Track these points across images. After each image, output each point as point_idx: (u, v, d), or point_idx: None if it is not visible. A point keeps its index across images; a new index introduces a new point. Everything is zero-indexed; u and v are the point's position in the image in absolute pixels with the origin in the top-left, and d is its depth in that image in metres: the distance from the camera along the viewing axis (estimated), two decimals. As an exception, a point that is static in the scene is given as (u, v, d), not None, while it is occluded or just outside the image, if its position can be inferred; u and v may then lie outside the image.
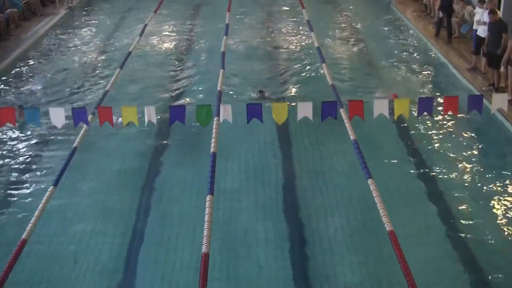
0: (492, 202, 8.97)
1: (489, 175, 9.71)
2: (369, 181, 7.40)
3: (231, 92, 13.17)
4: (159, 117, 9.68)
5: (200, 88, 13.73)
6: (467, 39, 15.95)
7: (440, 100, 10.96)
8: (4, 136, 11.58)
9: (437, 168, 9.99)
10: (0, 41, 17.15)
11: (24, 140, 11.45)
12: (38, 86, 14.29)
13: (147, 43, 17.13)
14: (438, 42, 16.22)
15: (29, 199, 9.31)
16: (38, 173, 10.23)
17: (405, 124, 11.42)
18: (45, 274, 7.72)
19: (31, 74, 15.24)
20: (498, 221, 8.53)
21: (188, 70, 15.14)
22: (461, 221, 8.56)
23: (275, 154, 10.65)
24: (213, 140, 8.51)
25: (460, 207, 8.88)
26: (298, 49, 16.53)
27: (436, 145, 10.81)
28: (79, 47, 17.45)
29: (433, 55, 15.82)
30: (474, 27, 14.17)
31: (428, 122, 11.24)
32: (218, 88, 10.76)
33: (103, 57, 16.40)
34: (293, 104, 9.63)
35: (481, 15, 13.71)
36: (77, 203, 9.26)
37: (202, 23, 19.74)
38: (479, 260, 7.76)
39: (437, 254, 7.88)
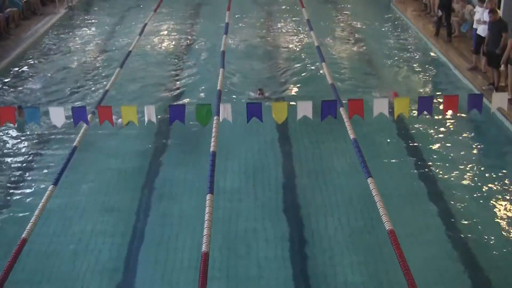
0: (492, 201, 8.97)
1: (489, 174, 9.71)
2: (369, 180, 7.41)
3: (231, 91, 13.17)
4: (159, 117, 9.69)
5: (200, 87, 13.73)
6: (467, 38, 15.94)
7: (440, 99, 10.95)
8: (4, 135, 11.58)
9: (437, 167, 9.99)
10: (0, 40, 17.14)
11: (24, 140, 11.45)
12: (38, 86, 14.29)
13: (147, 42, 17.12)
14: (438, 41, 16.21)
15: (29, 199, 9.31)
16: (38, 172, 10.22)
17: (405, 123, 11.42)
18: (45, 274, 7.72)
19: (31, 74, 15.23)
20: (498, 221, 8.52)
21: (188, 69, 15.14)
22: (461, 220, 8.56)
23: (275, 153, 10.64)
24: (213, 139, 8.52)
25: (460, 207, 8.88)
26: (298, 48, 16.52)
27: (436, 144, 10.81)
28: (79, 46, 17.45)
29: (433, 54, 15.82)
30: (474, 26, 14.16)
31: (428, 121, 11.24)
32: (218, 87, 10.77)
33: (103, 57, 16.39)
34: (293, 103, 9.63)
35: (481, 14, 13.71)
36: (77, 202, 9.26)
37: (202, 22, 19.75)
38: (479, 260, 7.76)
39: (437, 254, 7.88)
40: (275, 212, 8.88)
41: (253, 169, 10.07)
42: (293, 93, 13.32)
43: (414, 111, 9.27)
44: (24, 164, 10.54)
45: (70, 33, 18.86)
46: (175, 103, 12.19)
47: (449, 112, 10.51)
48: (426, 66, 15.02)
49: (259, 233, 8.38)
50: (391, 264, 7.21)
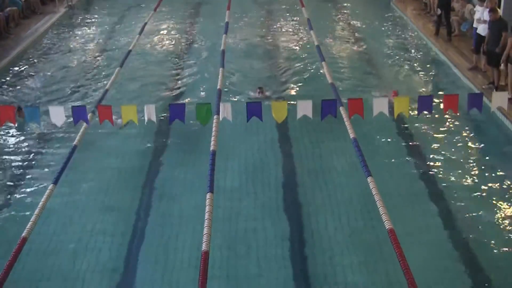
0: (492, 201, 8.96)
1: (489, 174, 9.70)
2: (369, 179, 7.41)
3: (231, 91, 13.16)
4: (162, 116, 9.70)
5: (200, 87, 13.73)
6: (467, 37, 15.94)
7: (440, 98, 10.94)
8: (4, 134, 11.57)
9: (437, 166, 9.99)
10: (0, 39, 17.13)
11: (24, 139, 11.44)
12: (38, 85, 14.29)
13: (147, 41, 17.11)
14: (438, 41, 16.21)
15: (29, 198, 9.31)
16: (38, 171, 10.23)
17: (405, 123, 11.42)
18: (45, 273, 7.72)
19: (31, 73, 15.23)
20: (498, 221, 8.52)
21: (188, 69, 15.13)
22: (461, 220, 8.56)
23: (274, 152, 10.64)
24: (212, 138, 8.52)
25: (460, 206, 8.87)
26: (297, 48, 16.51)
27: (436, 143, 10.80)
28: (79, 45, 17.45)
29: (433, 53, 15.81)
30: (474, 25, 14.15)
31: (428, 120, 11.24)
32: (218, 87, 10.77)
33: (103, 56, 16.39)
34: (293, 102, 9.62)
35: (481, 13, 13.69)
36: (77, 201, 9.26)
37: (202, 21, 19.74)
38: (479, 260, 7.76)
39: (437, 253, 7.88)
40: (275, 211, 8.88)
41: (253, 168, 10.07)
42: (293, 92, 13.32)
43: (414, 111, 9.26)
44: (24, 163, 10.54)
45: (70, 32, 18.85)
46: (175, 102, 12.19)
47: (449, 112, 10.49)
48: (426, 65, 15.01)
49: (259, 232, 8.38)
50: (391, 263, 7.21)
